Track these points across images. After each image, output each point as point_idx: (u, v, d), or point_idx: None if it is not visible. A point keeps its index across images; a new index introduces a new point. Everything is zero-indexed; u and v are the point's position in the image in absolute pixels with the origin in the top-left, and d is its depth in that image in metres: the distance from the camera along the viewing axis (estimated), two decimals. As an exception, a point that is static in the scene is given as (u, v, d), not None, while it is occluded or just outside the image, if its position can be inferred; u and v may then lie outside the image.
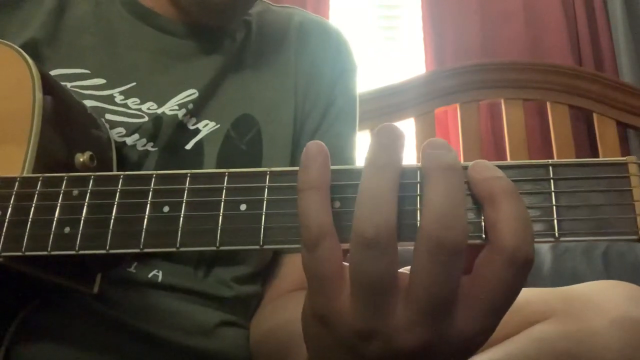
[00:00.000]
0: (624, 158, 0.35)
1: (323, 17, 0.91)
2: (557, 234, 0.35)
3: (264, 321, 0.69)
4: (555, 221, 0.35)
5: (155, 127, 0.66)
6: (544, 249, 1.45)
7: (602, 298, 0.55)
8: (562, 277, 1.36)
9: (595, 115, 1.81)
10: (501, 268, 0.34)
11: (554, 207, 0.36)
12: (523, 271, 0.34)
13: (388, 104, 1.73)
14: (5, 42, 0.58)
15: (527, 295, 0.69)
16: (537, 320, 0.58)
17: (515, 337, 0.59)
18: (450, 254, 0.33)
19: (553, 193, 0.36)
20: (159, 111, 0.67)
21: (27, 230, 0.44)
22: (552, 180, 0.36)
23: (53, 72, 0.67)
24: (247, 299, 0.70)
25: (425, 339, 0.34)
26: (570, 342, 0.52)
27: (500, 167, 0.36)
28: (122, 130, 0.65)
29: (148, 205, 0.42)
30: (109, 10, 0.73)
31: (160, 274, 0.64)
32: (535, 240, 0.35)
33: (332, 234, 0.35)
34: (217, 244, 0.39)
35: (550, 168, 0.36)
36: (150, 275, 0.63)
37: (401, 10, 2.09)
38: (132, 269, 0.63)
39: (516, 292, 0.35)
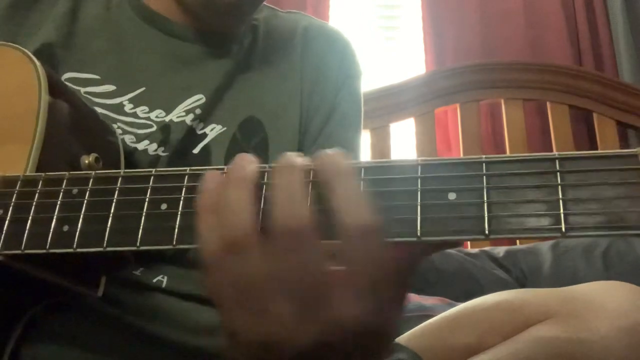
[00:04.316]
0: (635, 150, 0.34)
1: (329, 23, 0.92)
2: (564, 229, 0.34)
3: None
4: (562, 215, 0.34)
5: (164, 135, 0.67)
6: (544, 249, 1.45)
7: (603, 299, 0.55)
8: (562, 277, 1.35)
9: (595, 115, 1.81)
10: (349, 245, 0.35)
11: (561, 201, 0.35)
12: (369, 241, 0.35)
13: (388, 104, 1.73)
14: (14, 45, 0.59)
15: (527, 295, 0.69)
16: (537, 320, 0.58)
17: (516, 337, 0.59)
18: (295, 240, 0.36)
19: (560, 186, 0.35)
20: (167, 119, 0.68)
21: (27, 228, 0.45)
22: (558, 174, 0.35)
23: (66, 76, 0.68)
24: None
25: (313, 336, 0.36)
26: (572, 343, 0.52)
27: (505, 160, 0.36)
28: (132, 137, 0.66)
29: (146, 203, 0.42)
30: (119, 14, 0.74)
31: (165, 279, 0.64)
32: (542, 235, 0.35)
33: (223, 251, 0.38)
34: None
35: (557, 161, 0.35)
36: (155, 280, 0.64)
37: (401, 10, 2.09)
38: (137, 273, 0.63)
39: (379, 264, 0.36)
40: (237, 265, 0.37)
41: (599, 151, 0.35)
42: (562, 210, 0.34)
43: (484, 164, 0.35)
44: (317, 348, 0.36)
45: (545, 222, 0.35)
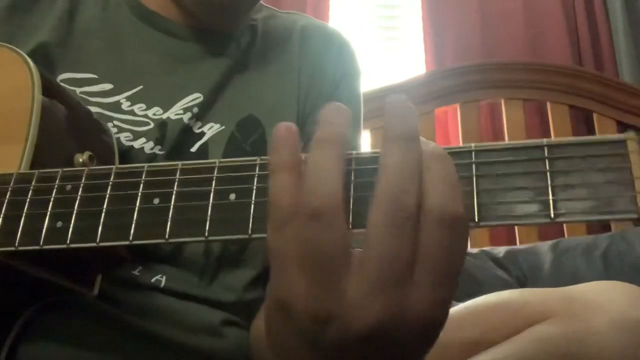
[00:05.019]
0: (622, 135, 0.34)
1: (328, 24, 0.92)
2: (552, 215, 0.34)
3: (259, 319, 0.69)
4: (551, 201, 0.34)
5: (161, 132, 0.67)
6: (544, 249, 1.45)
7: (602, 298, 0.55)
8: (562, 277, 1.35)
9: (595, 115, 1.81)
10: (433, 230, 0.33)
11: (550, 188, 0.35)
12: (456, 230, 0.34)
13: (388, 104, 1.73)
14: (8, 45, 0.60)
15: (527, 295, 0.69)
16: (537, 320, 0.58)
17: (516, 337, 0.59)
18: (405, 219, 0.33)
19: (548, 173, 0.35)
20: (164, 116, 0.68)
21: (21, 225, 0.45)
22: (547, 160, 0.35)
23: (62, 76, 0.68)
24: (250, 303, 0.70)
25: (380, 316, 0.33)
26: (571, 342, 0.52)
27: (494, 149, 0.36)
28: (129, 135, 0.66)
29: (138, 198, 0.42)
30: (116, 14, 0.74)
31: (163, 279, 0.64)
32: (530, 221, 0.34)
33: (301, 216, 0.35)
34: (206, 234, 0.39)
35: (545, 148, 0.35)
36: (153, 280, 0.64)
37: (401, 10, 2.09)
38: (136, 272, 0.63)
39: (458, 256, 0.34)
40: (315, 232, 0.34)
41: (587, 137, 0.35)
42: (550, 197, 0.34)
43: (473, 153, 0.35)
44: (381, 329, 0.34)
45: (534, 208, 0.35)
